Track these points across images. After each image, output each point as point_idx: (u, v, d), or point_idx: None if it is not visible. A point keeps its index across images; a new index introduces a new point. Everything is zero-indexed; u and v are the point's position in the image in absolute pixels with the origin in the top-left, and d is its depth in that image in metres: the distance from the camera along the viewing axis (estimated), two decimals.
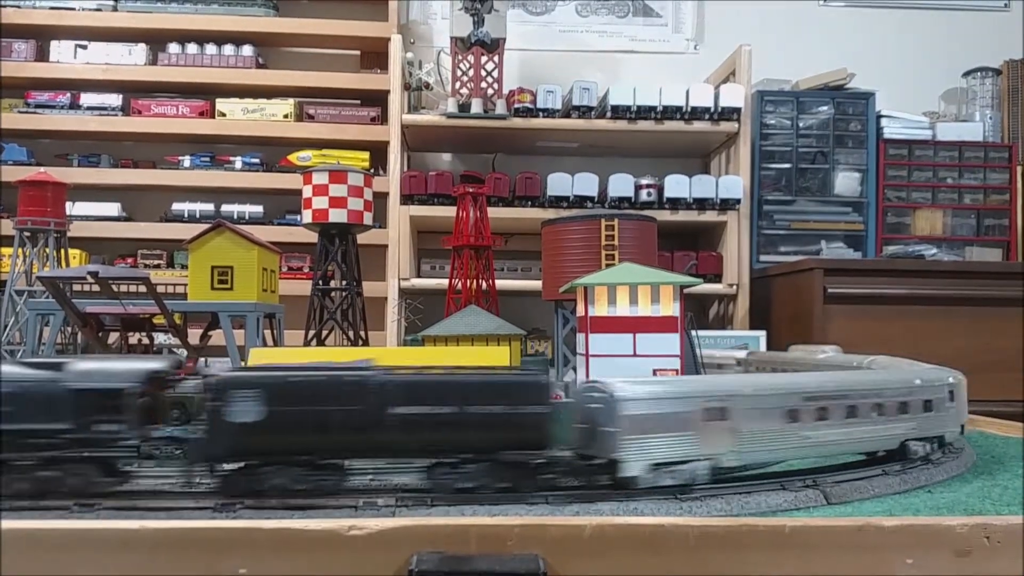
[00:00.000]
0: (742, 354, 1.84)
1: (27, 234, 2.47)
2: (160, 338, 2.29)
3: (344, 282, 2.42)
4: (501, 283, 2.76)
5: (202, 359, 2.23)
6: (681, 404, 1.11)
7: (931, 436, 1.34)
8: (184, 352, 2.20)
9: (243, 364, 1.81)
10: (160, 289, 2.03)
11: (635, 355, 1.55)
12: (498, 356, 1.77)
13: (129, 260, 3.61)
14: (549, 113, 3.37)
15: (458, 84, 3.35)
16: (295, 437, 1.04)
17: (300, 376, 1.06)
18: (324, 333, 2.41)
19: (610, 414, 1.08)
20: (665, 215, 3.30)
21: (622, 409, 1.07)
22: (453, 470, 1.07)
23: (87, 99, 3.57)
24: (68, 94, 3.57)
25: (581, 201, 3.35)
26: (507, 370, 1.19)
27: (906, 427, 1.29)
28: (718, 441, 1.12)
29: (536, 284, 2.61)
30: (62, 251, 2.53)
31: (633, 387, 1.11)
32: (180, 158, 3.63)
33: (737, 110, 3.36)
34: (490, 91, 3.36)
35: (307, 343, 2.36)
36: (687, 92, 3.34)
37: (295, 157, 3.60)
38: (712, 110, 3.35)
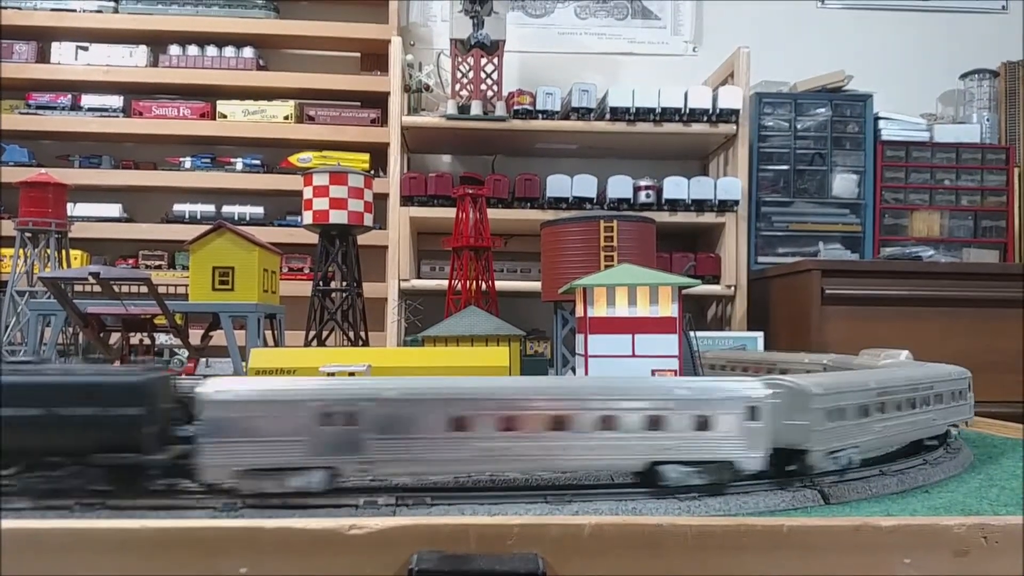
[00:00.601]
0: (826, 359, 1.80)
1: (28, 235, 2.47)
2: (161, 339, 2.30)
3: (344, 283, 2.42)
4: (501, 284, 2.76)
5: (203, 359, 2.24)
6: (281, 408, 1.01)
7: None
8: (185, 352, 2.20)
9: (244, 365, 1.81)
10: (161, 290, 2.03)
11: (634, 356, 1.56)
12: (497, 357, 1.77)
13: (130, 261, 3.62)
14: (548, 115, 3.38)
15: (458, 86, 3.36)
16: None
17: None
18: (324, 334, 2.42)
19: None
20: (664, 216, 3.30)
21: (205, 410, 1.00)
22: (44, 472, 1.02)
23: (88, 100, 3.58)
24: (69, 95, 3.58)
25: (580, 202, 3.35)
26: (106, 370, 1.09)
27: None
28: (339, 450, 1.02)
29: (535, 285, 2.62)
30: (63, 252, 2.53)
31: (217, 387, 1.02)
32: (181, 159, 3.64)
33: (735, 112, 3.37)
34: (490, 93, 3.36)
35: (307, 344, 2.37)
36: (685, 94, 3.35)
37: (295, 159, 3.60)
38: (710, 112, 3.36)
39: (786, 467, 1.17)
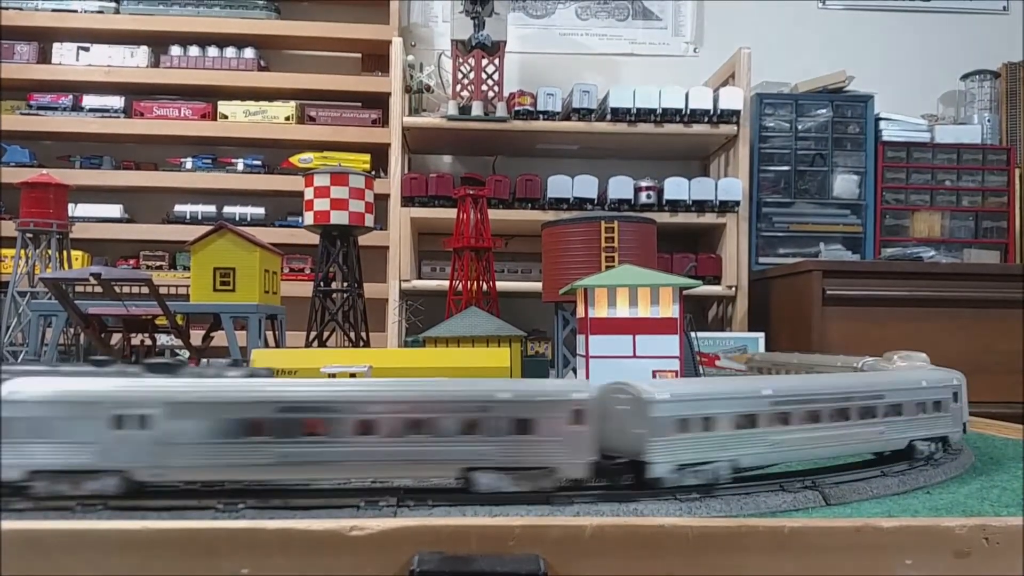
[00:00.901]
0: (860, 362, 1.74)
1: (29, 235, 2.48)
2: (162, 339, 2.30)
3: (345, 283, 2.43)
4: (501, 285, 2.77)
5: (204, 360, 2.24)
6: (71, 409, 0.98)
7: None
8: (186, 353, 2.21)
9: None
10: (162, 290, 2.03)
11: (635, 356, 1.56)
12: (498, 358, 1.78)
13: (131, 261, 3.62)
14: (549, 116, 3.38)
15: (459, 87, 3.37)
16: None
17: None
18: (325, 334, 2.42)
19: None
20: (664, 217, 3.31)
21: None
22: None
23: (89, 101, 3.58)
24: (70, 96, 3.58)
25: (581, 203, 3.36)
26: None
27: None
28: (131, 454, 0.98)
29: (536, 286, 2.62)
30: (64, 252, 2.54)
31: (11, 388, 0.98)
32: (182, 160, 3.64)
33: (736, 113, 3.37)
34: (490, 94, 3.37)
35: (308, 344, 2.37)
36: (686, 95, 3.36)
37: (296, 159, 3.61)
38: (711, 113, 3.36)
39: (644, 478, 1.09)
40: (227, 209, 3.59)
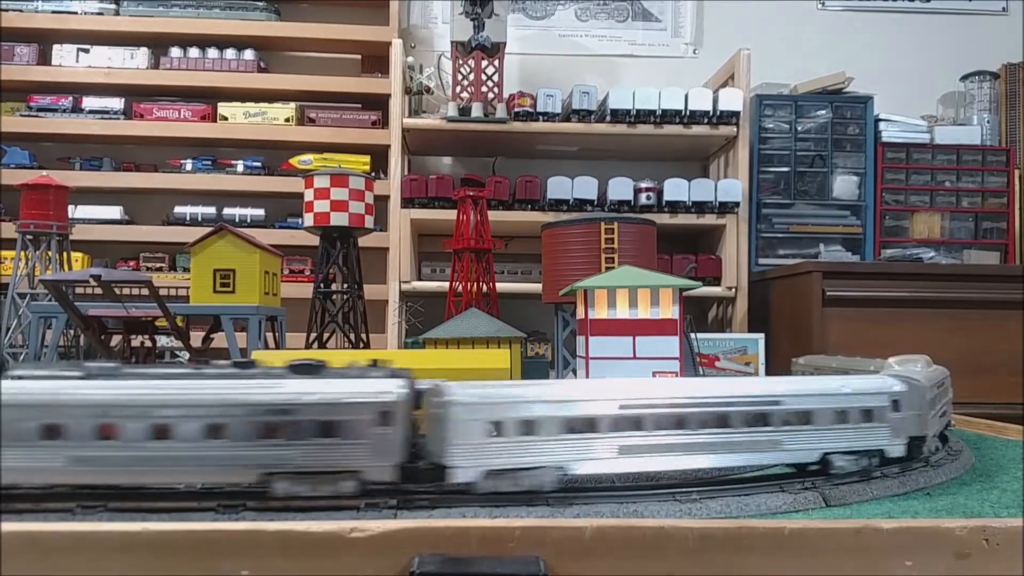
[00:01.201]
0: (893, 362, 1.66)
1: (29, 237, 2.48)
2: (162, 341, 2.30)
3: (345, 285, 2.43)
4: (501, 286, 2.77)
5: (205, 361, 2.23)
6: None
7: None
8: (187, 355, 2.21)
9: None
10: (162, 292, 2.03)
11: (635, 357, 1.56)
12: (498, 359, 1.77)
13: (131, 263, 3.62)
14: (549, 117, 3.38)
15: (458, 88, 3.37)
16: None
17: None
18: (326, 336, 2.42)
19: None
20: (664, 218, 3.31)
21: None
22: None
23: (89, 103, 3.58)
24: (70, 97, 3.58)
25: (581, 204, 3.36)
26: None
27: None
28: None
29: (536, 287, 2.62)
30: (64, 254, 2.54)
31: None
32: (182, 161, 3.64)
33: (736, 114, 3.37)
34: (490, 95, 3.37)
35: (308, 346, 2.37)
36: (686, 96, 3.36)
37: (296, 161, 3.61)
38: (711, 114, 3.36)
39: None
40: (227, 211, 3.59)
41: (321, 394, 1.02)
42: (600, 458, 1.08)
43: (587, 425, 1.07)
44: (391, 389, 1.03)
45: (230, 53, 3.66)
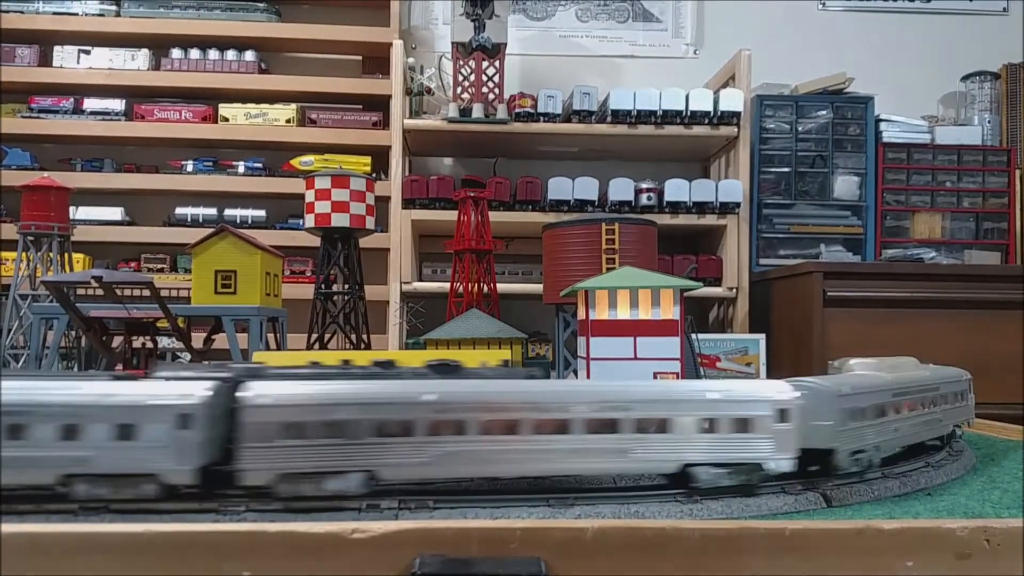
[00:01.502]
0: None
1: (31, 238, 2.48)
2: (164, 342, 2.30)
3: (346, 286, 2.43)
4: (502, 287, 2.77)
5: (206, 362, 2.24)
6: None
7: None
8: (188, 356, 2.21)
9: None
10: (163, 293, 2.04)
11: (636, 358, 1.56)
12: (499, 360, 1.77)
13: (132, 264, 3.63)
14: (550, 118, 3.38)
15: (459, 89, 3.37)
16: None
17: None
18: (327, 337, 2.43)
19: None
20: (665, 219, 3.31)
21: None
22: None
23: (90, 104, 3.58)
24: (71, 99, 3.58)
25: (582, 205, 3.36)
26: None
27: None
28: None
29: (537, 288, 2.62)
30: (65, 255, 2.54)
31: None
32: (183, 162, 3.65)
33: (737, 114, 3.37)
34: (491, 96, 3.37)
35: (310, 347, 2.37)
36: (687, 96, 3.36)
37: (297, 162, 3.61)
38: (712, 114, 3.36)
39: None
40: (228, 212, 3.59)
41: (121, 396, 1.01)
42: (414, 464, 1.02)
43: (401, 429, 1.02)
44: (193, 392, 1.02)
45: (231, 54, 3.66)
